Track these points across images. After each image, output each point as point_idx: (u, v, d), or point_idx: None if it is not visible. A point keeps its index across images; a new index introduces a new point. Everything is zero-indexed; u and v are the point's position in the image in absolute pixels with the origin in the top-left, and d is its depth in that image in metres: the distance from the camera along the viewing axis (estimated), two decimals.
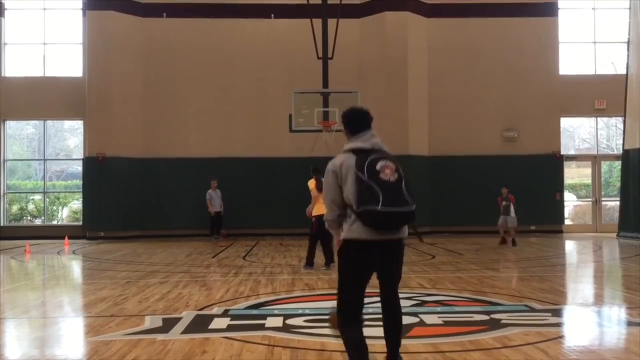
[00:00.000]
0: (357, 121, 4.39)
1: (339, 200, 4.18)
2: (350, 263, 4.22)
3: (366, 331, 4.48)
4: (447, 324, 6.29)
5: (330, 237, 10.18)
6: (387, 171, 4.07)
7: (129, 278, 10.16)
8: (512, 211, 15.98)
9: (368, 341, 4.40)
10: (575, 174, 22.99)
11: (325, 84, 17.34)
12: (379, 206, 3.95)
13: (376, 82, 20.42)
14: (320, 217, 10.90)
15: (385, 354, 4.47)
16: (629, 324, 6.48)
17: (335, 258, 4.66)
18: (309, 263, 11.09)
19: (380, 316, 4.55)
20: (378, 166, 4.06)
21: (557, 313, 7.02)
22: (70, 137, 23.47)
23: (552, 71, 21.33)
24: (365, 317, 4.49)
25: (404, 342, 5.22)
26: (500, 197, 16.26)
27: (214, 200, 19.10)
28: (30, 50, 21.64)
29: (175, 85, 20.80)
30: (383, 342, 4.50)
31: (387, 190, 3.99)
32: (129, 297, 8.07)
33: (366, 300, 4.57)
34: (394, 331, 4.40)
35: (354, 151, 4.17)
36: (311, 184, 11.23)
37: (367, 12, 20.95)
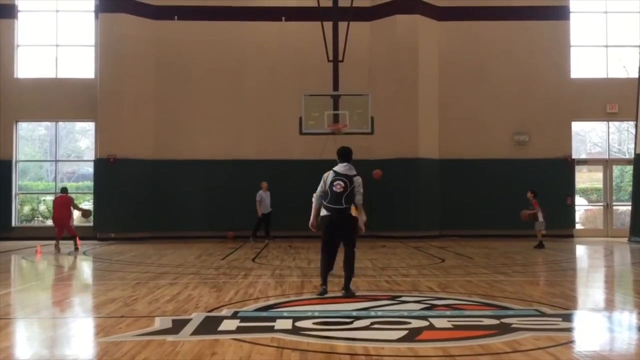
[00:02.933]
0: (342, 156, 8.24)
1: (320, 191, 8.16)
2: (322, 229, 8.22)
3: (372, 334, 5.73)
4: (457, 327, 6.26)
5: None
6: (337, 186, 7.97)
7: (139, 279, 10.19)
8: (538, 216, 16.20)
9: (374, 344, 5.42)
10: (586, 178, 22.87)
11: (336, 86, 17.33)
12: (326, 201, 8.05)
13: (386, 84, 20.42)
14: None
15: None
16: None
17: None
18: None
19: (385, 320, 6.16)
20: (335, 183, 8.00)
21: (568, 318, 6.98)
22: (81, 138, 23.60)
23: (563, 75, 21.24)
24: (371, 319, 6.15)
25: (413, 345, 5.41)
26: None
27: (264, 201, 18.89)
28: (42, 52, 21.78)
29: (186, 87, 20.87)
30: (392, 345, 5.43)
31: (332, 196, 8.00)
32: (139, 298, 8.09)
33: (370, 304, 7.46)
34: (347, 266, 8.18)
35: (334, 171, 8.10)
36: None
37: (378, 15, 20.95)
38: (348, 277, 8.12)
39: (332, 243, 8.21)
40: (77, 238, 16.41)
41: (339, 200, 7.89)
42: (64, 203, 16.23)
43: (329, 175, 8.06)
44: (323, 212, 8.10)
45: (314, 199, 8.23)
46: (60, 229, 16.10)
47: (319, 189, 8.15)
